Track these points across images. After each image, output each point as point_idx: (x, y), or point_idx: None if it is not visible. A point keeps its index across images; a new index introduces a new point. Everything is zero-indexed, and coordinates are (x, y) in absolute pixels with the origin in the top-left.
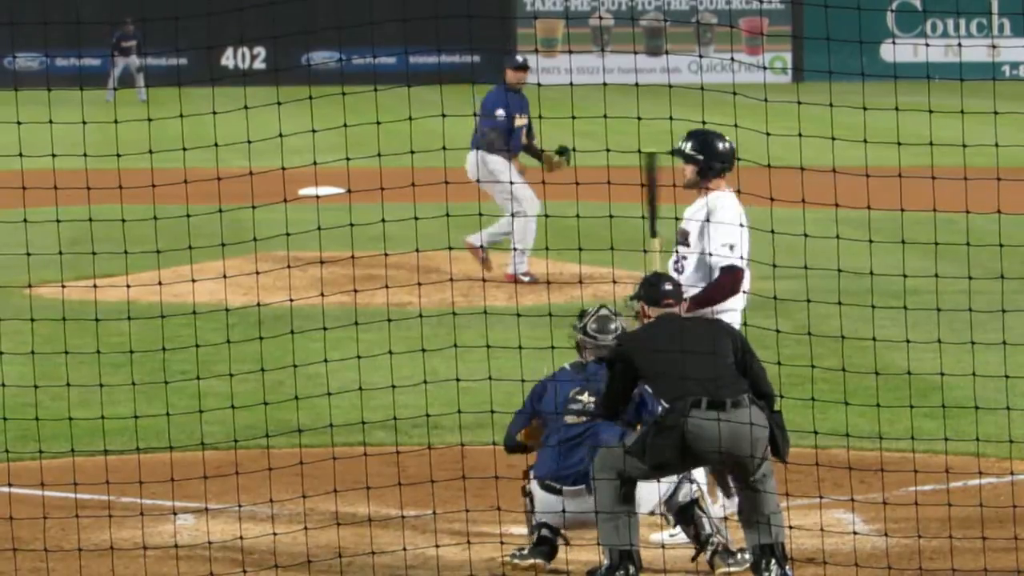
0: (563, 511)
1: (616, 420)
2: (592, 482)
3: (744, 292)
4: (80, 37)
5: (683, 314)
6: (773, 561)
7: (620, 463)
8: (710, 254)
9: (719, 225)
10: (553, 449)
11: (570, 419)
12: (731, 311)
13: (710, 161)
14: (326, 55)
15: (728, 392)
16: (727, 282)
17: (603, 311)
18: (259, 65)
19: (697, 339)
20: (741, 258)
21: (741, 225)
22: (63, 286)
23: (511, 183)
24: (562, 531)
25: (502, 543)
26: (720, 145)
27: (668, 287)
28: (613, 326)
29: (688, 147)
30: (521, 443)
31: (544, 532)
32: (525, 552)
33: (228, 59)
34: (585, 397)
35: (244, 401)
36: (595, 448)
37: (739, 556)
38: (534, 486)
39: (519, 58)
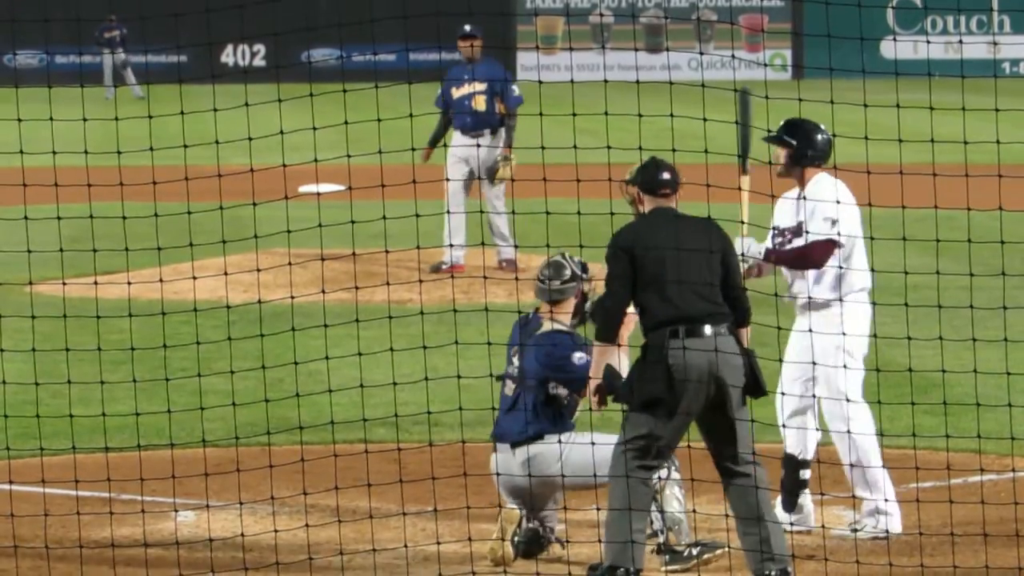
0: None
1: (614, 335)
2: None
3: (866, 272)
4: (80, 34)
5: (769, 263)
6: (772, 560)
7: (626, 459)
8: (806, 231)
9: (819, 204)
10: (498, 412)
11: (506, 386)
12: (862, 291)
13: (803, 148)
14: (326, 52)
15: (710, 319)
16: (819, 248)
17: (557, 258)
18: (259, 62)
19: (691, 240)
20: (839, 235)
21: (844, 227)
22: (64, 283)
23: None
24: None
25: (503, 540)
26: (815, 135)
27: (666, 176)
28: (566, 272)
29: (783, 132)
30: None
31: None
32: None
33: (228, 56)
34: (516, 361)
35: (245, 398)
36: (522, 414)
37: (687, 552)
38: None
39: (466, 27)
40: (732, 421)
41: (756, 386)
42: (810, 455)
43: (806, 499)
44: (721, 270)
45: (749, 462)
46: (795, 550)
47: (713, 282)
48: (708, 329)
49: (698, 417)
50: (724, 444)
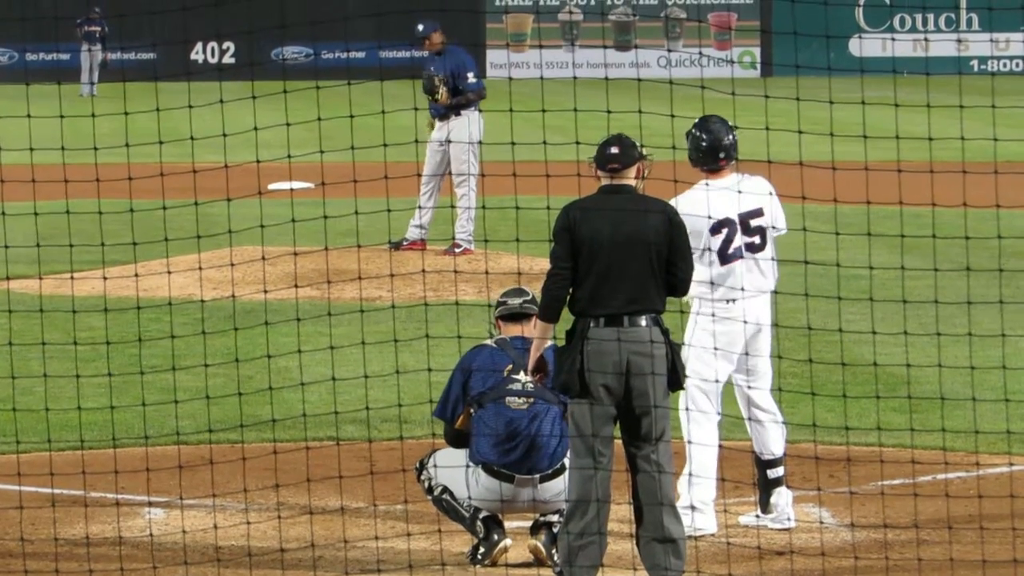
0: (502, 499)
1: (555, 315)
2: (567, 471)
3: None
4: (57, 32)
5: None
6: (677, 557)
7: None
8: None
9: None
10: (497, 433)
11: (512, 402)
12: (694, 299)
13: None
14: (297, 50)
15: (633, 311)
16: None
17: (516, 287)
18: (228, 60)
19: (629, 228)
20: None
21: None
22: (40, 279)
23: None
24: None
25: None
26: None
27: (613, 150)
28: (529, 295)
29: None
30: (463, 432)
31: (484, 517)
32: (482, 550)
33: (198, 54)
34: (522, 376)
35: (217, 394)
36: (548, 438)
37: None
38: (471, 472)
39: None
40: (650, 410)
41: (674, 378)
42: (771, 453)
43: (779, 497)
44: (665, 255)
45: (660, 453)
46: (763, 545)
47: (646, 271)
48: (627, 320)
49: (619, 407)
50: (638, 433)
